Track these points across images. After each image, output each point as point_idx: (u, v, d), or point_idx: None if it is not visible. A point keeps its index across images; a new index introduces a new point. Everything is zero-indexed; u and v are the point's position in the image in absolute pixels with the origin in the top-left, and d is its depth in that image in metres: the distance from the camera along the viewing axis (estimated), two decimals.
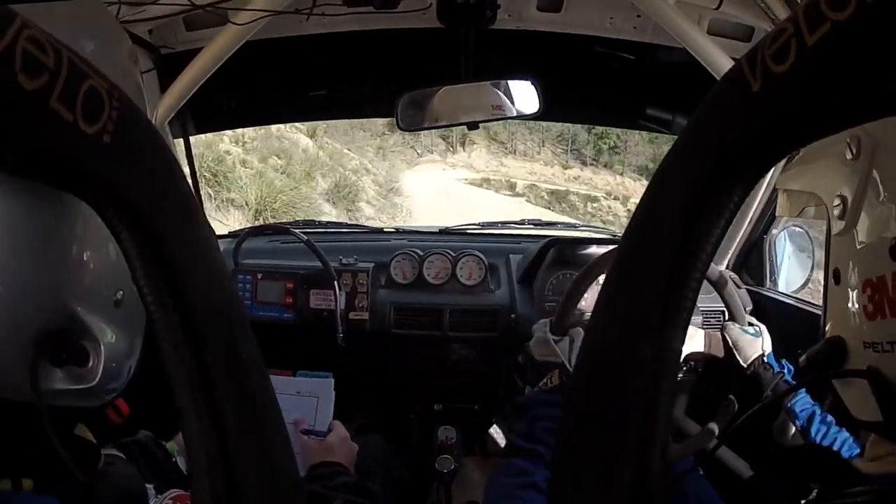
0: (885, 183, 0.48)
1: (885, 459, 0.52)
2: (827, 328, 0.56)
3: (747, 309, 1.51)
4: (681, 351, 0.35)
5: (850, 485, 0.50)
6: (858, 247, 0.50)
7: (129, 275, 0.60)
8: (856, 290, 0.50)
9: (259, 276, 1.68)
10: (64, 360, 0.53)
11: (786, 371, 1.19)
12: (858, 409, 0.52)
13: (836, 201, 0.52)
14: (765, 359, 1.20)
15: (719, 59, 1.34)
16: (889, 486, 0.48)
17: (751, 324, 1.27)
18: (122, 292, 0.59)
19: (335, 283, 1.62)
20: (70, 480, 0.55)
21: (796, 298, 1.58)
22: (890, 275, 0.46)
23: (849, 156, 0.51)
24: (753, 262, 1.71)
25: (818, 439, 1.07)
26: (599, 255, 1.34)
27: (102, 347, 0.56)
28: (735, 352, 1.23)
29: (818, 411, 1.09)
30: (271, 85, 1.79)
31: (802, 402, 1.11)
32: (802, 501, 0.52)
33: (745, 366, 1.22)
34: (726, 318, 1.50)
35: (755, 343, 1.22)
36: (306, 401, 1.13)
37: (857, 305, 0.50)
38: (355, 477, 1.01)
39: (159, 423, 1.02)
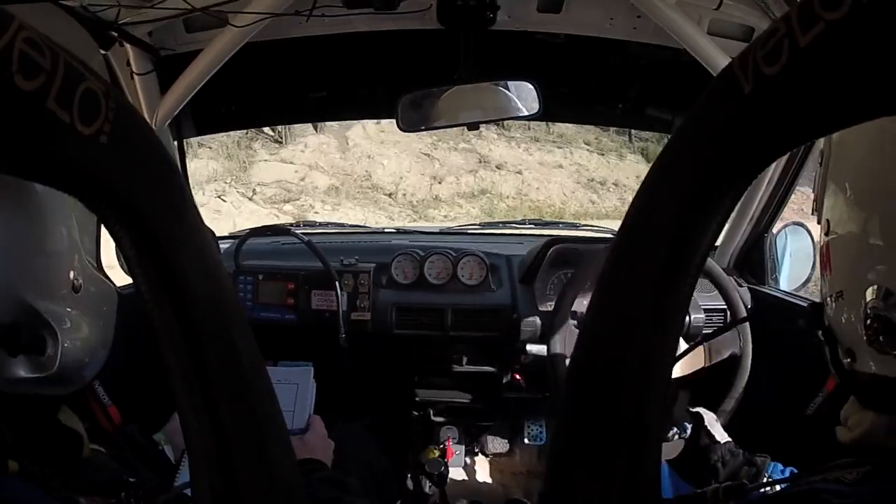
0: (831, 185, 0.61)
1: (851, 423, 0.60)
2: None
3: (748, 307, 1.52)
4: (675, 349, 0.35)
5: (833, 457, 0.55)
6: (824, 231, 0.63)
7: (86, 262, 0.62)
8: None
9: (260, 277, 1.69)
10: (19, 350, 0.54)
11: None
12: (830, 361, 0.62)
13: (814, 197, 0.67)
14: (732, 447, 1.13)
15: (719, 59, 1.33)
16: (886, 460, 0.51)
17: None
18: (80, 279, 0.60)
19: (336, 283, 1.62)
20: (55, 466, 0.56)
21: (798, 296, 1.58)
22: (825, 244, 0.61)
23: (819, 162, 0.65)
24: (755, 261, 1.71)
25: None
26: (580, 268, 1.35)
27: (60, 335, 0.56)
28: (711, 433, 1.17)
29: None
30: (271, 86, 1.79)
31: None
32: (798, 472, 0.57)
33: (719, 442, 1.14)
34: (727, 316, 1.51)
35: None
36: (285, 388, 1.13)
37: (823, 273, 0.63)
38: (329, 470, 1.02)
39: (147, 418, 1.04)
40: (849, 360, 0.57)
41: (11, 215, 0.53)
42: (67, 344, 0.57)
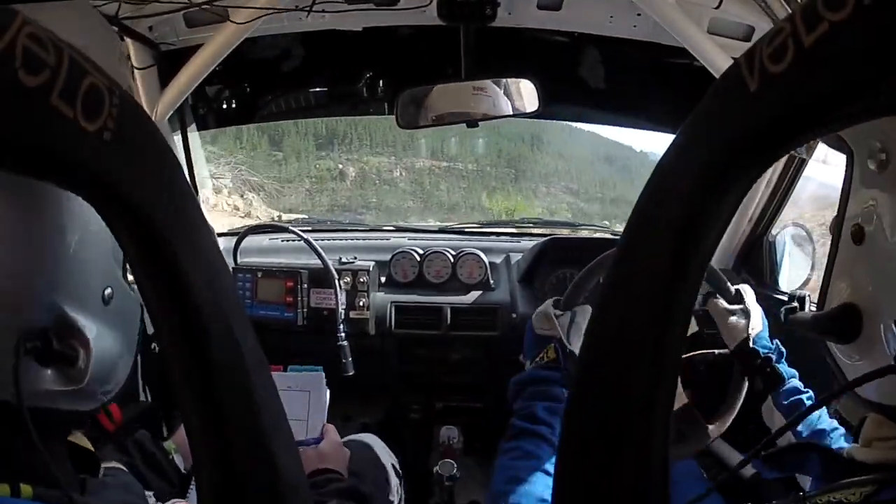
0: None
1: (884, 444, 0.51)
2: (840, 291, 0.51)
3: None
4: (682, 347, 0.35)
5: (847, 475, 0.50)
6: None
7: (117, 272, 0.60)
8: (885, 255, 0.45)
9: (259, 274, 1.68)
10: (50, 360, 0.52)
11: (775, 355, 1.08)
12: (878, 394, 0.49)
13: (879, 150, 0.48)
14: (750, 343, 1.07)
15: (719, 58, 1.33)
16: (890, 476, 0.48)
17: (739, 301, 1.14)
18: (110, 289, 0.59)
19: (335, 282, 1.61)
20: (70, 488, 0.54)
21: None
22: None
23: None
24: (754, 262, 1.71)
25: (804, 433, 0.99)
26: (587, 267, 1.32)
27: (91, 346, 0.55)
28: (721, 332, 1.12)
29: (805, 400, 1.02)
30: (271, 82, 1.79)
31: (788, 390, 1.03)
32: (801, 493, 0.52)
33: (731, 349, 1.09)
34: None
35: (738, 325, 1.10)
36: (298, 395, 1.09)
37: (885, 272, 0.45)
38: (347, 481, 1.01)
39: (156, 424, 1.02)
40: None
41: (47, 220, 0.51)
42: (97, 357, 0.55)
